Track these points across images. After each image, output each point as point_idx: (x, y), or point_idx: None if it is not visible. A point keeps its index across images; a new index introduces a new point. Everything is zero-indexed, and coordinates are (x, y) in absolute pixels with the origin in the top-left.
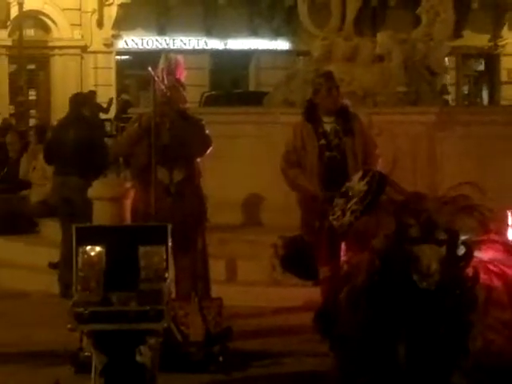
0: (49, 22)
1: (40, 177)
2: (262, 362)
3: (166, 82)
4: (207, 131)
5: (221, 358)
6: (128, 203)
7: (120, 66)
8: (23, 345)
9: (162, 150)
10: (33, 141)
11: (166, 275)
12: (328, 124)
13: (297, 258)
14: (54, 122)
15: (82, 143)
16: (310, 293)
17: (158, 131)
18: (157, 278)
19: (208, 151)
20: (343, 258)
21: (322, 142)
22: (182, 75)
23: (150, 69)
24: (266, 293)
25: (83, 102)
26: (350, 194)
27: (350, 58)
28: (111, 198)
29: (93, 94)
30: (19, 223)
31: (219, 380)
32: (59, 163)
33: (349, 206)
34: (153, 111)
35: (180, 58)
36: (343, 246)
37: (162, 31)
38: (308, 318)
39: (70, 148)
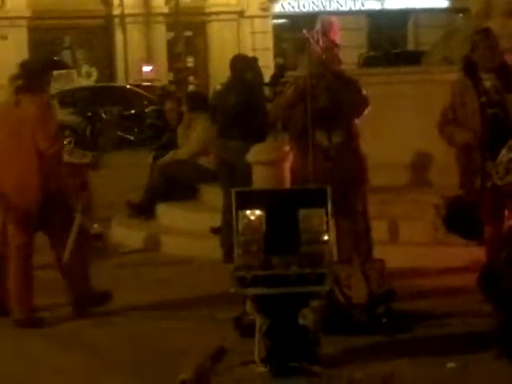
0: None
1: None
2: (426, 324)
3: (321, 43)
4: (364, 92)
5: (384, 320)
6: (287, 167)
7: (277, 29)
8: (188, 310)
9: (320, 112)
10: (185, 109)
11: (327, 238)
12: (488, 81)
13: (459, 218)
14: (212, 88)
15: (242, 107)
16: (474, 253)
17: (315, 94)
18: (317, 240)
19: (366, 112)
20: (508, 216)
21: (483, 99)
22: (337, 36)
23: (304, 31)
24: (429, 253)
25: (245, 65)
26: None
27: (509, 13)
28: (270, 161)
29: (255, 59)
30: (180, 189)
31: (383, 342)
32: (221, 127)
33: None
34: (309, 74)
35: (334, 18)
36: (509, 204)
37: None
38: (472, 278)
39: (231, 111)
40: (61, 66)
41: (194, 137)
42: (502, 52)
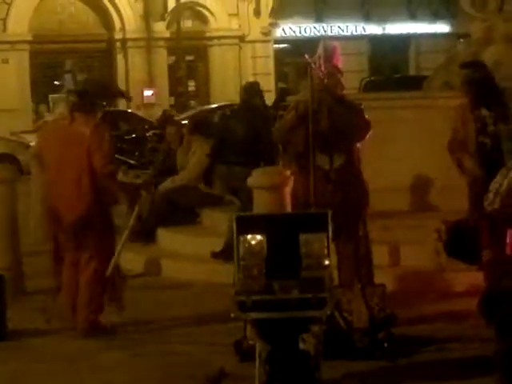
0: (206, 13)
1: (194, 168)
2: (427, 348)
3: (323, 68)
4: (366, 116)
5: (386, 345)
6: (288, 191)
7: (278, 54)
8: (188, 334)
9: (321, 135)
10: (186, 132)
11: (328, 262)
12: (484, 109)
13: (460, 243)
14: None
15: (251, 133)
16: (475, 277)
17: (317, 118)
18: (318, 265)
19: (367, 136)
20: (508, 241)
21: (478, 125)
22: (339, 61)
23: (306, 56)
24: (430, 278)
25: (253, 92)
26: (504, 180)
27: (509, 39)
28: (271, 186)
29: (258, 84)
30: (181, 214)
31: (384, 367)
32: (226, 153)
33: (500, 190)
34: (310, 98)
35: (336, 44)
36: (509, 229)
37: (319, 18)
38: (473, 302)
39: (240, 140)
40: (121, 95)
41: (193, 161)
42: (478, 87)
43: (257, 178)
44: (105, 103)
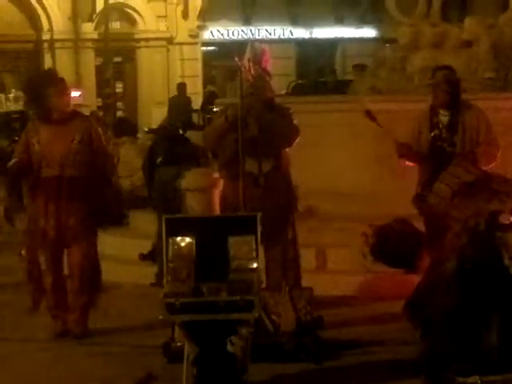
0: (134, 15)
1: (124, 169)
2: (354, 351)
3: (252, 71)
4: (295, 120)
5: (312, 348)
6: (217, 193)
7: (206, 56)
8: (115, 336)
9: (250, 141)
10: (111, 134)
11: (256, 265)
12: (444, 116)
13: (387, 247)
14: (141, 115)
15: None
16: (401, 281)
17: (245, 123)
18: (246, 268)
19: (296, 141)
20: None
21: (436, 132)
22: (268, 64)
23: (236, 59)
24: (357, 281)
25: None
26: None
27: (437, 45)
28: (201, 188)
29: (183, 86)
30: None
31: (310, 369)
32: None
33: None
34: (239, 103)
35: (265, 46)
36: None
37: (247, 21)
38: (399, 306)
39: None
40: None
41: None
42: (453, 89)
43: (187, 180)
44: None
